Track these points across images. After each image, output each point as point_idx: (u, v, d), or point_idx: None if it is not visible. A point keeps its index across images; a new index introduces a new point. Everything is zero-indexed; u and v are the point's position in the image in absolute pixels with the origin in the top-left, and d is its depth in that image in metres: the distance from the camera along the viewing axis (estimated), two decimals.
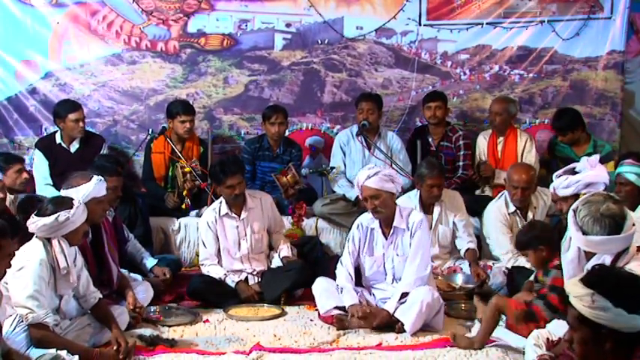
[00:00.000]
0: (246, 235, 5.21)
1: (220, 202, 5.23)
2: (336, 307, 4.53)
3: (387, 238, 4.66)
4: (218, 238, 5.19)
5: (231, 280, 5.03)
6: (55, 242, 3.85)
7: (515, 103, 6.47)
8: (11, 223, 3.65)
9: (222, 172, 5.09)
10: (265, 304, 4.90)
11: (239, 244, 5.21)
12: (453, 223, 5.41)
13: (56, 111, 6.07)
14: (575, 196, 4.16)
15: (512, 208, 5.41)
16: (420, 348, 4.14)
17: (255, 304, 4.91)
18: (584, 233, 3.31)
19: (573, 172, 4.38)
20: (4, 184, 4.78)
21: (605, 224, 3.28)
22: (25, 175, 5.22)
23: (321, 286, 4.69)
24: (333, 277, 4.77)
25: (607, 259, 3.30)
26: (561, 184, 4.34)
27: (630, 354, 2.46)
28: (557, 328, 3.57)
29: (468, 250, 5.33)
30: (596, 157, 4.38)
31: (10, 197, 5.12)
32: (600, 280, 2.51)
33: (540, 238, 4.13)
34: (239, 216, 5.20)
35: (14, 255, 3.65)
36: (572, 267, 3.44)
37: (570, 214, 3.40)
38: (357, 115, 6.22)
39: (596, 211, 3.31)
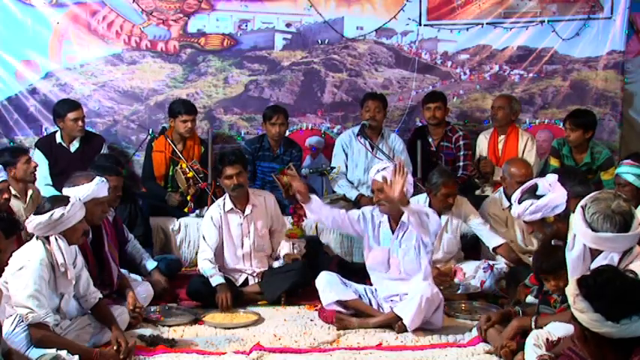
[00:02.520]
0: (249, 232, 5.21)
1: (225, 198, 5.24)
2: (338, 302, 4.55)
3: (393, 232, 4.68)
4: (221, 235, 5.18)
5: (215, 282, 4.92)
6: (52, 239, 3.85)
7: (518, 101, 6.48)
8: (10, 222, 3.66)
9: (220, 162, 5.13)
10: (241, 310, 4.84)
11: (242, 241, 5.21)
12: (464, 226, 5.40)
13: (56, 110, 6.08)
14: (542, 219, 4.07)
15: (506, 203, 5.43)
16: (420, 348, 4.14)
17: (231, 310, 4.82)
18: (594, 230, 3.31)
19: (534, 194, 4.13)
20: (8, 184, 4.77)
21: (616, 222, 3.27)
22: (33, 164, 5.20)
23: (324, 279, 4.68)
24: None
25: (615, 257, 3.29)
26: (527, 209, 4.07)
27: (627, 357, 2.46)
28: (557, 329, 3.57)
29: (500, 245, 5.22)
30: (555, 176, 4.27)
31: (29, 192, 5.19)
32: (590, 282, 2.51)
33: (562, 265, 3.80)
34: (243, 212, 5.21)
35: (11, 255, 3.66)
36: (576, 265, 3.42)
37: (578, 210, 3.38)
38: (363, 114, 6.21)
39: (606, 207, 3.29)
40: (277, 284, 5.02)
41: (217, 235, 5.16)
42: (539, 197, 4.07)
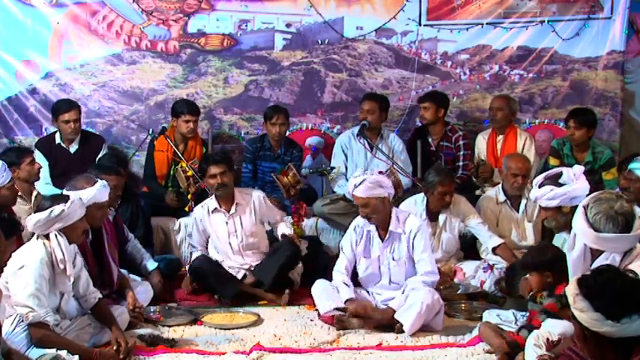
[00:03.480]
0: (235, 230, 5.24)
1: (210, 199, 5.28)
2: (336, 309, 4.52)
3: (383, 241, 4.66)
4: (208, 236, 5.30)
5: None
6: (52, 236, 3.84)
7: (515, 101, 6.49)
8: (10, 223, 3.66)
9: (205, 162, 5.20)
10: (241, 310, 4.83)
11: (229, 241, 5.24)
12: (462, 225, 5.40)
13: (52, 110, 6.07)
14: (558, 208, 4.06)
15: (502, 198, 5.47)
16: (420, 348, 4.15)
17: (230, 309, 4.84)
18: (596, 230, 3.30)
19: (556, 181, 4.11)
20: (14, 183, 4.76)
21: (619, 222, 3.27)
22: (37, 165, 5.20)
23: (320, 287, 4.68)
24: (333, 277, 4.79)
25: (617, 258, 3.29)
26: (546, 195, 4.05)
27: (628, 357, 2.46)
28: (557, 329, 3.57)
29: (499, 246, 5.25)
30: (581, 168, 4.25)
31: (34, 193, 5.18)
32: (590, 282, 2.52)
33: (549, 264, 3.88)
34: (228, 211, 5.22)
35: (11, 255, 3.65)
36: (577, 265, 3.41)
37: (580, 210, 3.38)
38: (360, 115, 6.22)
39: (609, 208, 3.29)
40: (267, 269, 5.08)
41: (202, 235, 5.30)
42: (560, 185, 4.05)
